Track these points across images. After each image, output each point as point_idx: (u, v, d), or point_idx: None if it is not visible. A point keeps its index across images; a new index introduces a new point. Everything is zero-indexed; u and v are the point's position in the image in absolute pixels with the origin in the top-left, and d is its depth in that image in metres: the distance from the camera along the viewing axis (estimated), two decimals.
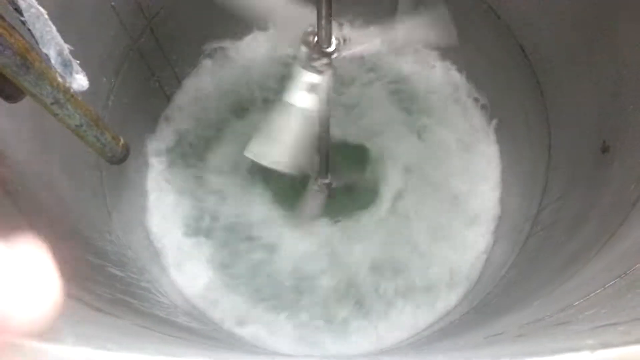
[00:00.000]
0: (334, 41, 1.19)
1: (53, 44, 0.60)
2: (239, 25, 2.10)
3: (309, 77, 1.21)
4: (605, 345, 0.49)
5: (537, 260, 1.53)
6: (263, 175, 2.01)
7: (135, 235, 1.82)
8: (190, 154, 2.05)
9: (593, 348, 0.47)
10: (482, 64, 1.96)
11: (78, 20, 1.43)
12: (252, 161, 1.28)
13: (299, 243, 1.94)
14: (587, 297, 0.85)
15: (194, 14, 1.90)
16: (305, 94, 1.21)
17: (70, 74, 0.65)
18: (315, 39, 1.18)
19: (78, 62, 0.66)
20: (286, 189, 2.00)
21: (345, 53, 1.21)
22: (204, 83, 2.12)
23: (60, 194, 1.41)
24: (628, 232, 1.10)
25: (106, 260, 1.43)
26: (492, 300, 1.61)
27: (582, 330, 0.73)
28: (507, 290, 1.59)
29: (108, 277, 1.36)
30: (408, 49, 2.09)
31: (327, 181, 1.86)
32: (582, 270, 1.09)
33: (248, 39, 2.15)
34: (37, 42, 0.59)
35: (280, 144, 1.21)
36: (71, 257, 1.25)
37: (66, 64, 0.63)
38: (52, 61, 0.61)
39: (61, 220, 1.37)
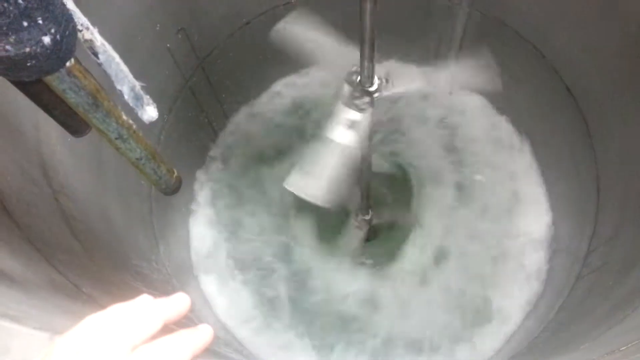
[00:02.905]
0: (376, 80, 1.20)
1: (126, 82, 0.67)
2: (287, 65, 2.18)
3: (350, 115, 1.23)
4: None
5: (586, 304, 1.48)
6: (307, 210, 2.03)
7: (180, 265, 1.87)
8: (235, 188, 2.10)
9: None
10: (526, 104, 1.94)
11: (136, 60, 1.51)
12: (296, 198, 1.31)
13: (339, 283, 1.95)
14: (635, 342, 0.82)
15: (244, 54, 1.98)
16: (345, 131, 1.23)
17: (142, 106, 0.71)
18: (358, 78, 1.22)
19: (148, 96, 0.72)
20: (330, 225, 2.02)
21: (387, 92, 1.23)
22: (251, 120, 2.18)
23: (112, 222, 1.47)
24: None
25: (153, 289, 1.47)
26: (539, 344, 1.56)
27: None
28: (555, 333, 1.54)
29: None
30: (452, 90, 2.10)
31: (367, 217, 1.87)
32: (632, 315, 1.05)
33: (295, 78, 2.21)
34: (112, 81, 0.65)
35: (319, 178, 1.23)
36: (122, 283, 1.30)
37: (138, 98, 0.70)
38: (125, 96, 0.68)
39: (112, 247, 1.43)
